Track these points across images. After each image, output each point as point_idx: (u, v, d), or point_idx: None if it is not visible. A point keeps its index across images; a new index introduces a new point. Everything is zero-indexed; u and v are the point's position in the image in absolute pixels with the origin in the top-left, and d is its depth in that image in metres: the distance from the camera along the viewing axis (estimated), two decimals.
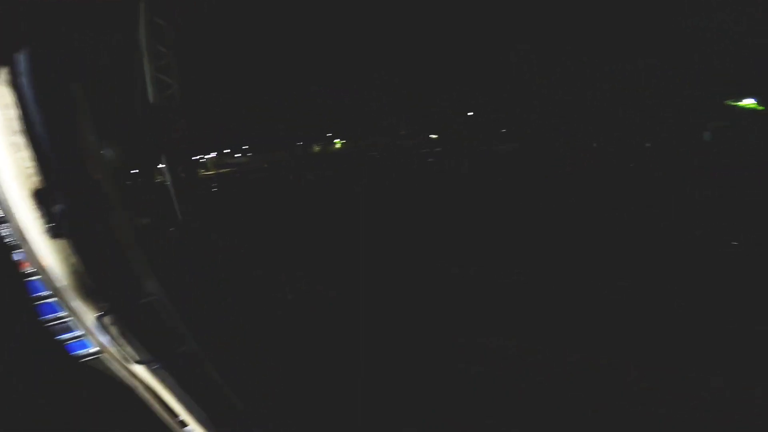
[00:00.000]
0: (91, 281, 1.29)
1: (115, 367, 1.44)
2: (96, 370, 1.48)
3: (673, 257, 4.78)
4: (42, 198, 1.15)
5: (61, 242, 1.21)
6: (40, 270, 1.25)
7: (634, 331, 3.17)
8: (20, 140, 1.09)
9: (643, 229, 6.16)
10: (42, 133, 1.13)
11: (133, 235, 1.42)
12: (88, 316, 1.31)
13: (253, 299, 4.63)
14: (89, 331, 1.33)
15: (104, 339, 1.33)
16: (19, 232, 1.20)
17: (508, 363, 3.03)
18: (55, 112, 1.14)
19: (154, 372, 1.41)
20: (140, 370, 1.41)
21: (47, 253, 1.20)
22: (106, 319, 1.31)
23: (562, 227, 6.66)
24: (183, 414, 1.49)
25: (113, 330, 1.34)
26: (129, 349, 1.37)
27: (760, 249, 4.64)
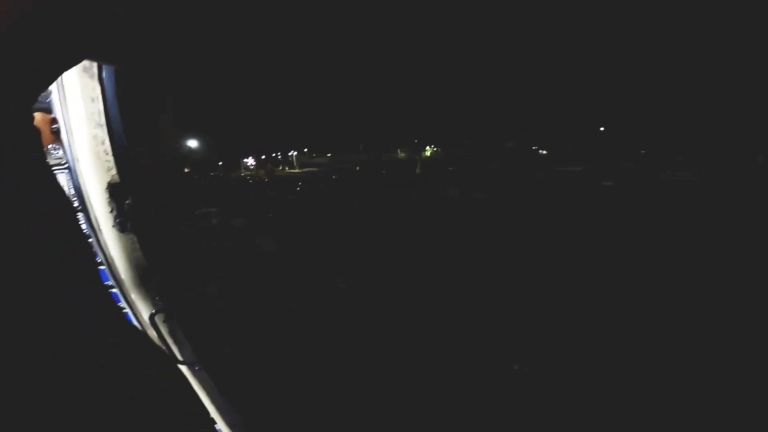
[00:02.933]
0: (152, 277, 1.32)
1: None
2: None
3: (673, 258, 4.85)
4: (115, 192, 1.19)
5: (128, 236, 1.25)
6: (106, 261, 1.28)
7: (633, 331, 3.20)
8: (102, 133, 1.14)
9: (644, 231, 6.33)
10: (122, 128, 1.18)
11: (198, 235, 1.44)
12: (144, 310, 1.34)
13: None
14: (143, 325, 1.35)
15: (154, 335, 1.35)
16: (91, 223, 1.23)
17: (508, 363, 3.07)
18: (136, 108, 1.18)
19: (195, 374, 1.42)
20: (183, 370, 1.41)
21: (114, 246, 1.24)
22: (160, 316, 1.33)
23: (562, 228, 6.83)
24: (218, 419, 1.48)
25: (164, 328, 1.36)
26: (175, 348, 1.39)
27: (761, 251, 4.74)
